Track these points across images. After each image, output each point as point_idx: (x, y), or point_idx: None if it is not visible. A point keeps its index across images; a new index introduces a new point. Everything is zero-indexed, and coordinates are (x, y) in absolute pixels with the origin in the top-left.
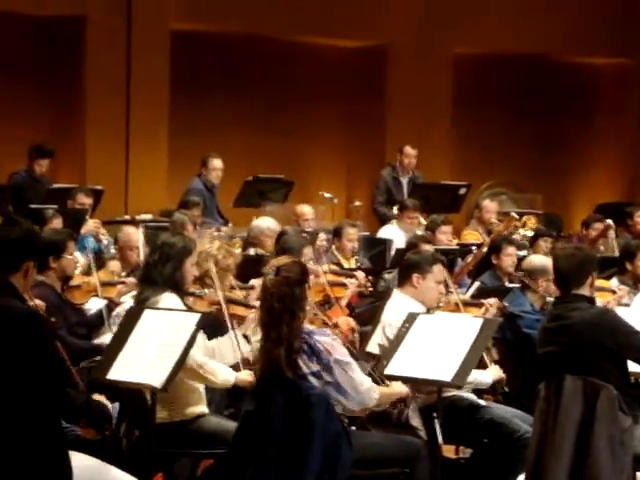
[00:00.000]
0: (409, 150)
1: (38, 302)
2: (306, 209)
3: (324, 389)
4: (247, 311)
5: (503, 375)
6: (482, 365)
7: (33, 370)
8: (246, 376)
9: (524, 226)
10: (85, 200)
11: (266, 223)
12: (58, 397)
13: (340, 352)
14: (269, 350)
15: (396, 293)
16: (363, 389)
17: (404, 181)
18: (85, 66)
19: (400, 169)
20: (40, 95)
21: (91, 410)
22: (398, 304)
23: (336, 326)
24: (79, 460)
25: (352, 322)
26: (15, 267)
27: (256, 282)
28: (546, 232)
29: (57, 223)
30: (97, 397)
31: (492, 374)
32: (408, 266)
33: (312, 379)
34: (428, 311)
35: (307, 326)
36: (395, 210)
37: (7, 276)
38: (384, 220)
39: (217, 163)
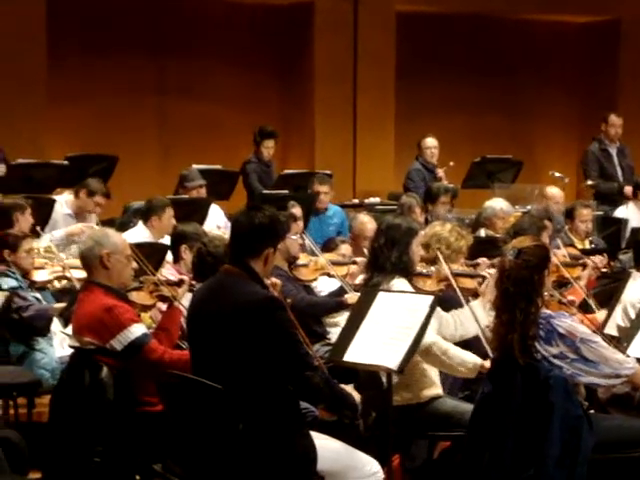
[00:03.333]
0: (614, 119)
1: (274, 280)
2: (555, 191)
3: (572, 365)
4: (474, 282)
5: None
6: None
7: (273, 354)
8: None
9: None
10: (320, 189)
11: (499, 205)
12: (297, 381)
13: (583, 331)
14: (502, 334)
15: (637, 274)
16: (615, 359)
17: (613, 152)
18: (313, 52)
19: (607, 140)
20: (269, 83)
21: (332, 393)
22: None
23: (572, 303)
24: (323, 442)
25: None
26: (257, 253)
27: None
28: None
29: (297, 212)
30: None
31: None
32: None
33: (555, 361)
34: None
35: (544, 311)
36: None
37: (249, 261)
38: (603, 199)
39: (429, 142)
